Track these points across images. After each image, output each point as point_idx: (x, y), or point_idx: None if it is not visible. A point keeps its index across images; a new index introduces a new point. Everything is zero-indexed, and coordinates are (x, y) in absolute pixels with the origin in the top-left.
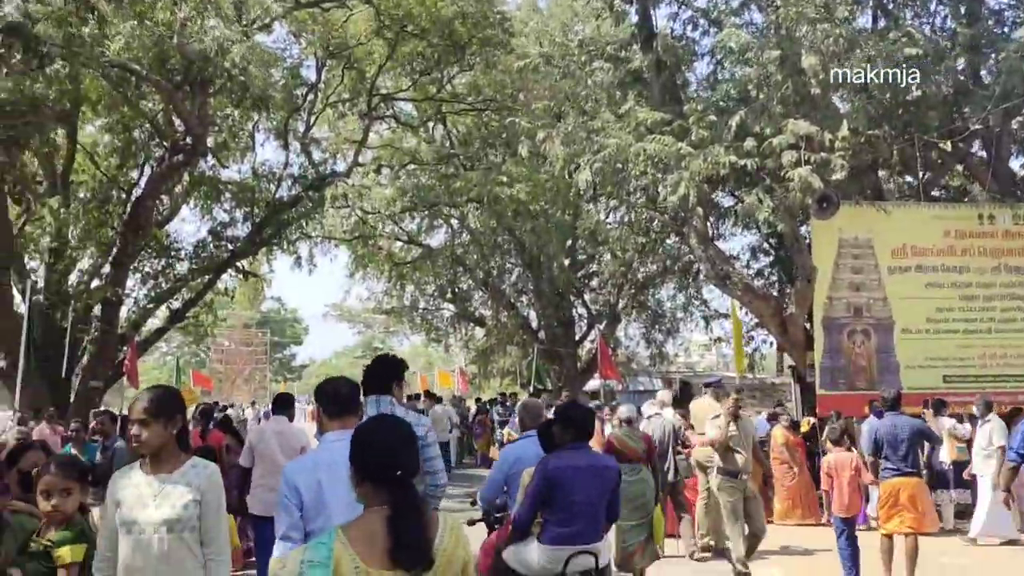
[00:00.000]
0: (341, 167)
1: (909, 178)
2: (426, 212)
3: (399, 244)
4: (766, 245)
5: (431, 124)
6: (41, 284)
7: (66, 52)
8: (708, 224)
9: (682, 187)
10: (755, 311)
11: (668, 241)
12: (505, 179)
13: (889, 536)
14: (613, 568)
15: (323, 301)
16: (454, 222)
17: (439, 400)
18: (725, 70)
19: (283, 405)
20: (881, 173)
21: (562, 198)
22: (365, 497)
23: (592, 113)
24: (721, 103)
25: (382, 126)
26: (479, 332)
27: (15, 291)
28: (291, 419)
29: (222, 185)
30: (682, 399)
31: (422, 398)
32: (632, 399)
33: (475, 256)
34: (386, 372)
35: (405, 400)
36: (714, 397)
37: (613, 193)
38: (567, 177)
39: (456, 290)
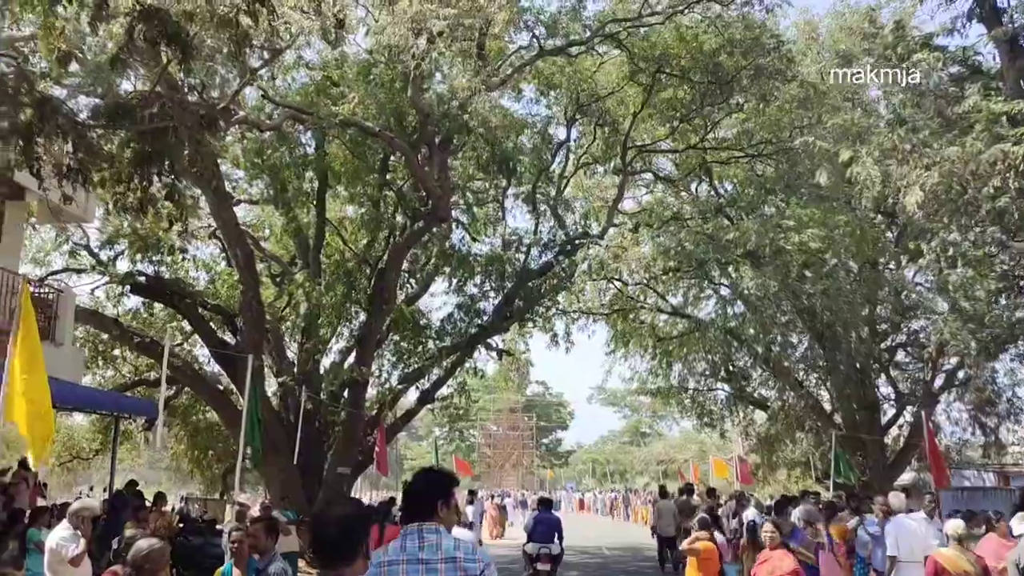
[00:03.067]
0: (595, 231)
1: None
2: (692, 276)
3: (663, 318)
4: None
5: (694, 178)
6: (294, 365)
7: (300, 115)
8: None
9: None
10: None
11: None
12: (792, 223)
13: None
14: None
15: (588, 384)
16: (724, 290)
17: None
18: None
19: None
20: None
21: (867, 245)
22: None
23: (913, 121)
24: None
25: (639, 186)
26: (760, 416)
27: (268, 372)
28: None
29: (471, 258)
30: None
31: (694, 493)
32: (958, 499)
33: (752, 328)
34: (430, 492)
35: (660, 497)
36: None
37: (950, 222)
38: (877, 215)
39: (731, 368)
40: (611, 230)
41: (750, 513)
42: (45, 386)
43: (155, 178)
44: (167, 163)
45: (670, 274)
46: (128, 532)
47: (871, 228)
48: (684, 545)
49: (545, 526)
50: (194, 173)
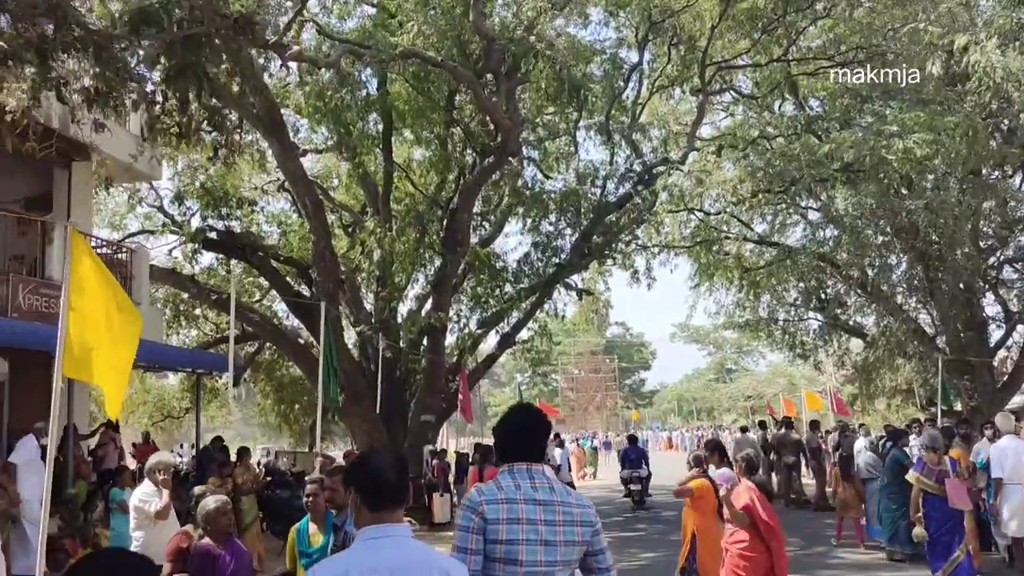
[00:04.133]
0: (674, 158)
1: None
2: (780, 200)
3: (748, 248)
4: None
5: (777, 96)
6: (371, 315)
7: (358, 49)
8: None
9: None
10: None
11: None
12: (895, 128)
13: None
14: None
15: (670, 322)
16: (813, 214)
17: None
18: None
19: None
20: None
21: (979, 148)
22: None
23: None
24: None
25: (716, 110)
26: (856, 344)
27: (347, 323)
28: None
29: (545, 196)
30: None
31: (792, 427)
32: None
33: (849, 250)
34: (542, 428)
35: (740, 432)
36: None
37: None
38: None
39: (824, 295)
40: (692, 155)
41: (861, 444)
42: (121, 336)
43: (192, 98)
44: (204, 78)
45: (758, 197)
46: (197, 490)
47: (983, 130)
48: (676, 487)
49: (635, 455)
50: (236, 97)
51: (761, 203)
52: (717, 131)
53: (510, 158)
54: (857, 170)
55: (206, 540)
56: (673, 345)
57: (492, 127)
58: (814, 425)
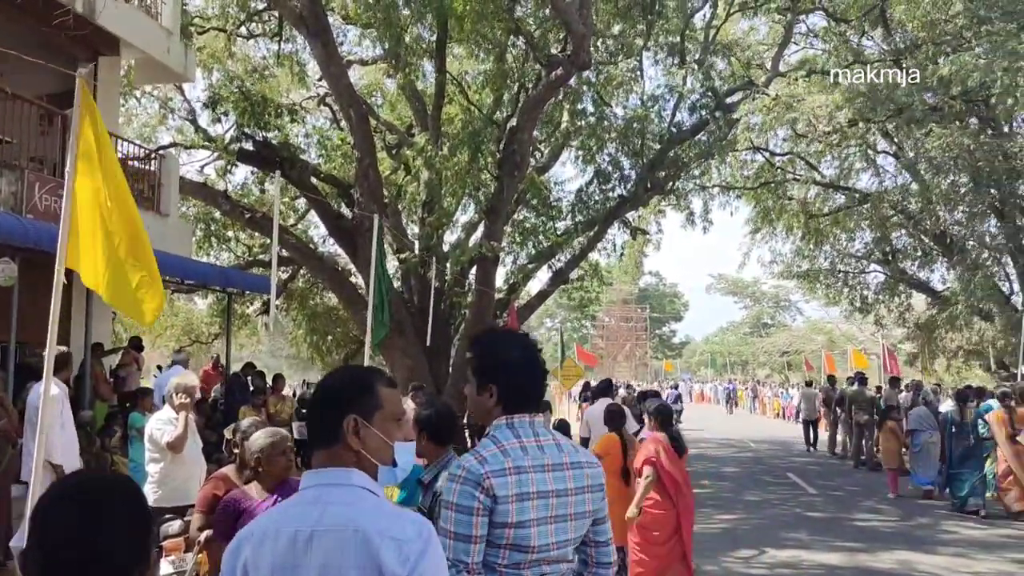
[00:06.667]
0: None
1: None
2: (857, 141)
3: (813, 192)
4: None
5: (867, 21)
6: (415, 244)
7: None
8: None
9: None
10: None
11: None
12: None
13: None
14: None
15: (703, 273)
16: (886, 159)
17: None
18: None
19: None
20: None
21: None
22: None
23: None
24: None
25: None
26: (919, 301)
27: (389, 251)
28: None
29: (606, 122)
30: None
31: (866, 382)
32: None
33: (933, 198)
34: (543, 368)
35: (806, 386)
36: None
37: None
38: None
39: (889, 248)
40: (774, 83)
41: (947, 405)
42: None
43: None
44: None
45: (838, 133)
46: (245, 422)
47: None
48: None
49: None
50: None
51: (833, 144)
52: (788, 65)
53: (581, 70)
54: (975, 100)
55: (251, 488)
56: (708, 297)
57: (560, 36)
58: (894, 382)
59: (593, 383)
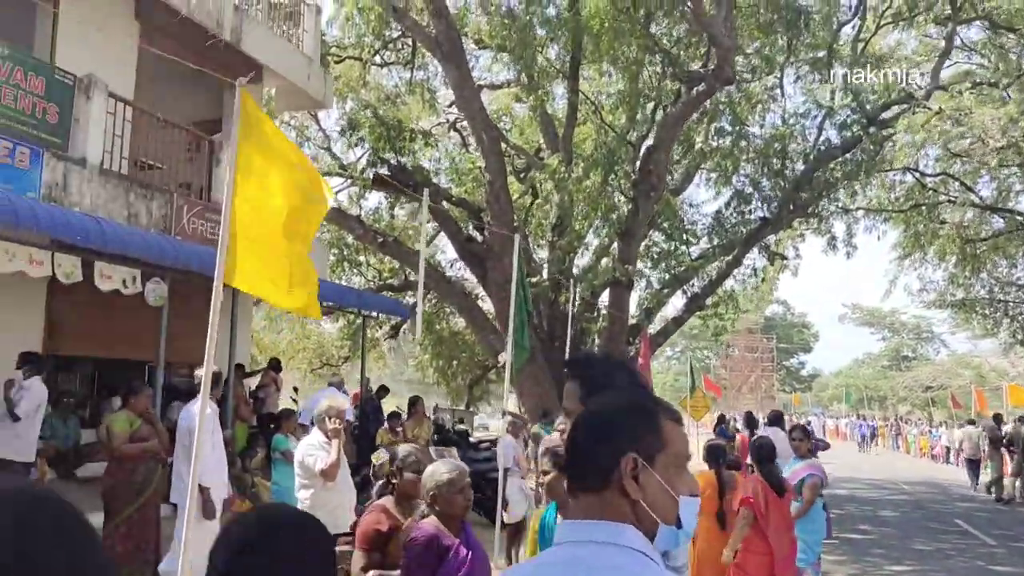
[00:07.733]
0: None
1: None
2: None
3: (970, 215)
4: None
5: None
6: (543, 269)
7: None
8: None
9: None
10: None
11: None
12: None
13: None
14: None
15: (835, 303)
16: None
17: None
18: None
19: None
20: None
21: None
22: None
23: None
24: None
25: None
26: None
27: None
28: None
29: (744, 142)
30: None
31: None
32: None
33: None
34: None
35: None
36: None
37: None
38: None
39: None
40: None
41: None
42: (311, 218)
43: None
44: None
45: (1012, 148)
46: (402, 450)
47: None
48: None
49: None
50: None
51: (990, 165)
52: (942, 80)
53: (725, 85)
54: None
55: (430, 521)
56: (842, 327)
57: (699, 53)
58: None
59: (731, 416)
